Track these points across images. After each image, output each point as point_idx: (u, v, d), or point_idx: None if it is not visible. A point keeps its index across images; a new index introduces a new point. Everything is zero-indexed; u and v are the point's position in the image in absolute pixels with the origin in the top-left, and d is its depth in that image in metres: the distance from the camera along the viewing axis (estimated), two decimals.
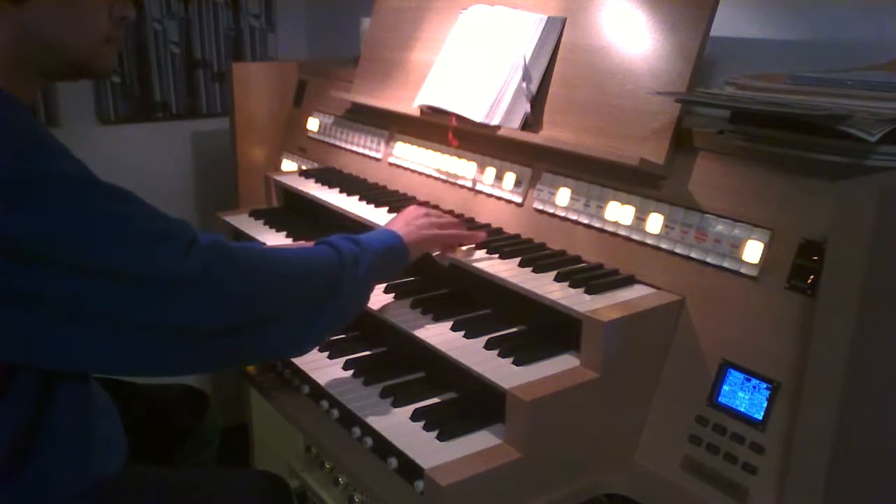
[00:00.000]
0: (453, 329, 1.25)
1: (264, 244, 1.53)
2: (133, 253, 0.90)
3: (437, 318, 1.28)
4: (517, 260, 1.31)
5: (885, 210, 0.83)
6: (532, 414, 1.04)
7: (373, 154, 1.88)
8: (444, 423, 1.12)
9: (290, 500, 1.34)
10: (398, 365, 1.32)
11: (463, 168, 1.61)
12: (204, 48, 2.52)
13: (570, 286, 1.22)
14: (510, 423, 1.07)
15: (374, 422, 1.15)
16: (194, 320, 0.95)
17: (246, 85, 2.20)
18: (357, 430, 1.17)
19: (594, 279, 1.21)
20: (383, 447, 1.12)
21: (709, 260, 1.16)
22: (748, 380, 1.08)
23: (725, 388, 1.10)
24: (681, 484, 1.11)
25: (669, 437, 1.15)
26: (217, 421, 1.63)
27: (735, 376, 1.10)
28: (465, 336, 1.22)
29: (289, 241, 1.66)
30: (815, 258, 1.03)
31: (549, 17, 1.46)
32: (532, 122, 1.46)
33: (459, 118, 1.52)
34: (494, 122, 1.46)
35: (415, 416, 1.16)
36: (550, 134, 1.43)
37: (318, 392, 1.28)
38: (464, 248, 1.38)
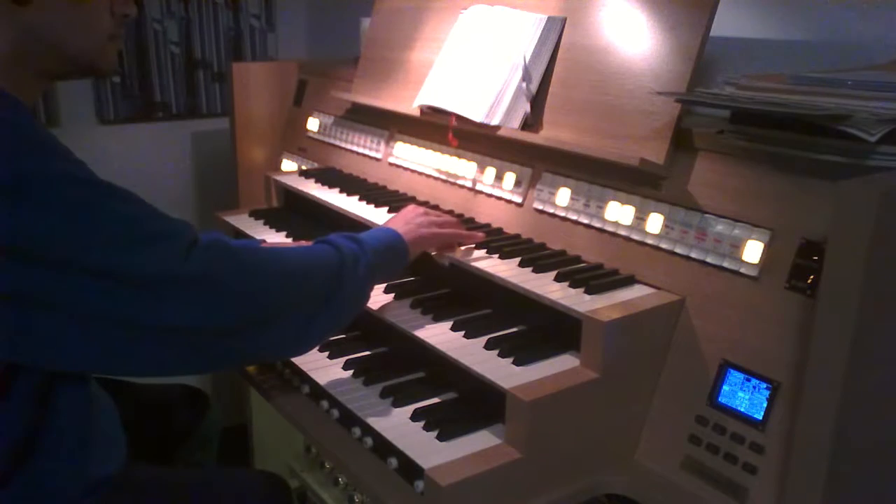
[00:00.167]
0: (453, 329, 1.25)
1: (263, 241, 1.53)
2: (134, 253, 0.90)
3: (437, 318, 1.29)
4: (517, 260, 1.31)
5: (885, 210, 0.82)
6: (532, 414, 1.04)
7: (373, 154, 1.88)
8: (444, 423, 1.12)
9: (290, 500, 1.34)
10: (398, 365, 1.32)
11: (463, 168, 1.61)
12: (204, 48, 2.52)
13: (570, 286, 1.22)
14: (510, 423, 1.07)
15: (374, 422, 1.15)
16: (195, 320, 0.95)
17: (246, 85, 2.20)
18: (357, 430, 1.17)
19: (594, 279, 1.21)
20: (383, 447, 1.12)
21: (709, 260, 1.16)
22: (748, 380, 1.08)
23: (725, 388, 1.10)
24: (681, 484, 1.11)
25: (669, 437, 1.15)
26: (217, 421, 1.63)
27: (735, 376, 1.10)
28: (465, 336, 1.22)
29: (289, 241, 1.66)
30: (815, 258, 1.03)
31: (549, 17, 1.46)
32: (532, 122, 1.46)
33: (459, 118, 1.52)
34: (494, 122, 1.46)
35: (415, 416, 1.16)
36: (550, 134, 1.43)
37: (318, 392, 1.28)
38: (462, 247, 1.38)
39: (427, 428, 1.13)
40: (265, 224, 1.81)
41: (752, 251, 1.10)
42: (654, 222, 1.24)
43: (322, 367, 1.32)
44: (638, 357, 1.15)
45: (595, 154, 1.29)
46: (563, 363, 1.15)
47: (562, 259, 1.33)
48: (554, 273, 1.25)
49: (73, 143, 0.96)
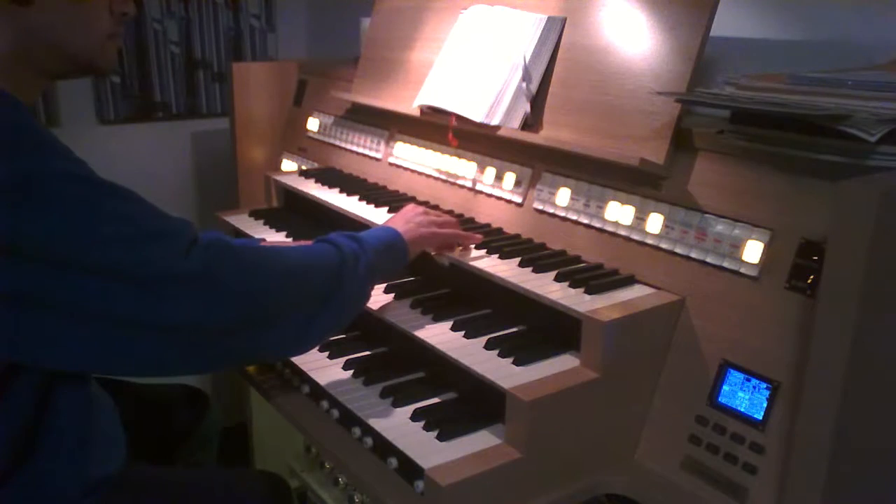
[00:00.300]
0: (453, 329, 1.25)
1: (263, 240, 1.53)
2: (134, 251, 0.90)
3: (437, 318, 1.29)
4: (517, 260, 1.31)
5: (885, 210, 0.83)
6: (532, 414, 1.04)
7: (373, 154, 1.88)
8: (444, 423, 1.12)
9: (290, 500, 1.34)
10: (398, 365, 1.32)
11: (463, 168, 1.61)
12: (204, 48, 2.52)
13: (570, 286, 1.22)
14: (510, 423, 1.07)
15: (374, 422, 1.15)
16: (195, 318, 0.95)
17: (246, 85, 2.20)
18: (357, 430, 1.17)
19: (594, 279, 1.21)
20: (383, 447, 1.12)
21: (709, 260, 1.16)
22: (748, 380, 1.08)
23: (725, 388, 1.10)
24: (681, 484, 1.11)
25: (669, 437, 1.15)
26: (217, 421, 1.63)
27: (735, 376, 1.10)
28: (465, 336, 1.22)
29: (289, 241, 1.66)
30: (815, 258, 1.03)
31: (549, 17, 1.46)
32: (532, 122, 1.46)
33: (459, 118, 1.52)
34: (494, 122, 1.46)
35: (415, 416, 1.16)
36: (550, 134, 1.43)
37: (318, 392, 1.28)
38: (461, 248, 1.38)
39: (427, 428, 1.13)
40: (265, 224, 1.81)
41: (752, 251, 1.10)
42: (654, 222, 1.24)
43: (322, 367, 1.32)
44: (638, 357, 1.15)
45: (595, 154, 1.29)
46: (563, 363, 1.15)
47: (562, 259, 1.33)
48: (554, 273, 1.25)
49: (73, 143, 0.96)
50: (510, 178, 1.50)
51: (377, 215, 1.56)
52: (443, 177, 1.66)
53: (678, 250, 1.20)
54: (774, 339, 1.06)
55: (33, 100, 1.10)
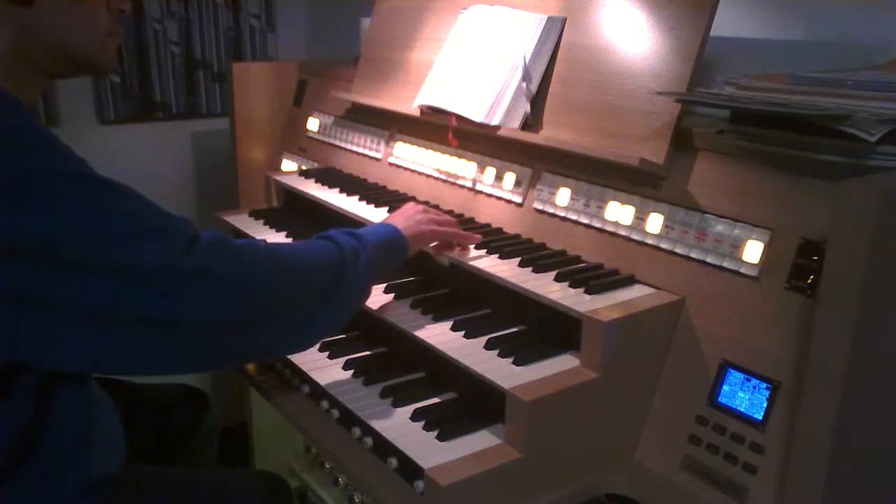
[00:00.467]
0: (453, 329, 1.25)
1: (264, 241, 1.53)
2: (135, 248, 0.90)
3: (437, 318, 1.28)
4: (517, 260, 1.31)
5: (885, 210, 0.83)
6: (532, 414, 1.04)
7: (373, 154, 1.88)
8: (444, 423, 1.12)
9: (290, 500, 1.34)
10: (398, 365, 1.32)
11: (463, 168, 1.61)
12: (204, 48, 2.52)
13: (570, 286, 1.22)
14: (510, 423, 1.07)
15: (374, 422, 1.15)
16: (196, 316, 0.95)
17: (246, 85, 2.20)
18: (357, 430, 1.17)
19: (594, 279, 1.21)
20: (383, 447, 1.12)
21: (709, 260, 1.16)
22: (748, 380, 1.08)
23: (725, 388, 1.10)
24: (681, 484, 1.11)
25: (669, 437, 1.15)
26: (217, 421, 1.63)
27: (735, 376, 1.09)
28: (465, 336, 1.22)
29: (289, 242, 1.66)
30: (815, 258, 1.03)
31: (549, 17, 1.46)
32: (532, 122, 1.46)
33: (459, 118, 1.52)
34: (494, 122, 1.46)
35: (415, 416, 1.16)
36: (550, 134, 1.43)
37: (318, 392, 1.28)
38: (461, 247, 1.38)
39: (427, 428, 1.13)
40: (265, 224, 1.81)
41: (752, 251, 1.10)
42: (654, 222, 1.24)
43: (322, 367, 1.32)
44: (638, 357, 1.15)
45: (595, 154, 1.29)
46: (563, 363, 1.15)
47: (562, 259, 1.33)
48: (554, 273, 1.25)
49: (73, 143, 0.96)
50: (510, 178, 1.50)
51: (377, 215, 1.56)
52: (443, 177, 1.66)
53: (678, 250, 1.20)
54: (774, 339, 1.06)
55: (33, 99, 1.10)
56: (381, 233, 1.25)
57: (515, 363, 1.14)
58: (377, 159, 1.87)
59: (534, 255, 1.34)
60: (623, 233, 1.28)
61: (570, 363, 1.15)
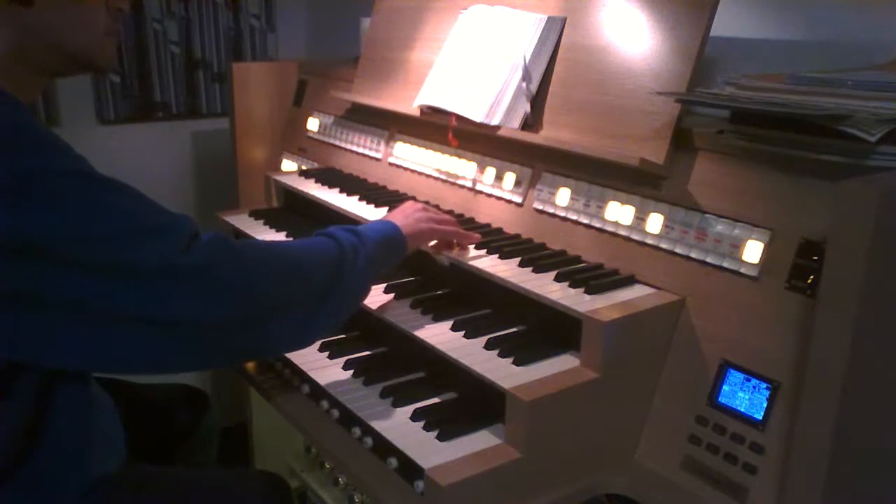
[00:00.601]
0: (453, 329, 1.25)
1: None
2: (135, 246, 0.90)
3: (437, 318, 1.28)
4: (517, 260, 1.31)
5: (885, 210, 0.83)
6: (532, 414, 1.04)
7: (373, 154, 1.88)
8: (444, 423, 1.12)
9: (290, 500, 1.34)
10: (398, 365, 1.32)
11: (463, 168, 1.61)
12: (204, 48, 2.52)
13: (570, 286, 1.22)
14: (510, 423, 1.07)
15: (374, 422, 1.15)
16: (195, 314, 0.95)
17: (246, 85, 2.20)
18: (357, 430, 1.17)
19: (594, 279, 1.21)
20: (383, 447, 1.12)
21: (709, 260, 1.16)
22: (748, 380, 1.08)
23: (725, 388, 1.10)
24: (681, 484, 1.11)
25: (669, 437, 1.15)
26: (217, 421, 1.62)
27: (735, 376, 1.09)
28: (465, 336, 1.22)
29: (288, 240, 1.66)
30: (815, 258, 1.03)
31: (549, 17, 1.46)
32: (532, 122, 1.46)
33: (459, 118, 1.52)
34: (494, 122, 1.46)
35: (415, 416, 1.16)
36: (550, 134, 1.43)
37: (318, 392, 1.28)
38: (460, 247, 1.38)
39: (427, 428, 1.13)
40: (265, 224, 1.81)
41: (752, 251, 1.10)
42: (654, 222, 1.24)
43: (322, 367, 1.32)
44: (638, 357, 1.15)
45: (595, 154, 1.29)
46: (563, 363, 1.15)
47: (562, 259, 1.33)
48: (554, 273, 1.25)
49: (73, 143, 0.96)
50: (510, 178, 1.50)
51: (377, 215, 1.56)
52: (443, 177, 1.66)
53: (678, 250, 1.20)
54: (774, 339, 1.06)
55: (33, 99, 1.10)
56: (380, 230, 1.24)
57: (515, 363, 1.14)
58: (377, 159, 1.87)
59: (534, 255, 1.34)
60: (623, 233, 1.28)
61: (570, 363, 1.15)
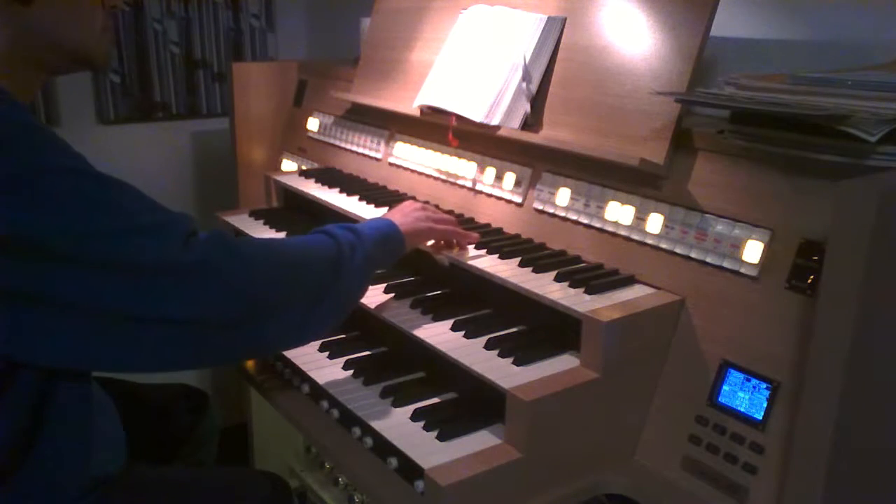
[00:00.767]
0: (453, 329, 1.25)
1: None
2: (133, 243, 0.90)
3: (437, 318, 1.28)
4: (517, 260, 1.31)
5: (885, 210, 0.82)
6: (532, 414, 1.04)
7: (373, 154, 1.88)
8: (444, 423, 1.12)
9: (290, 500, 1.34)
10: (398, 365, 1.32)
11: (463, 168, 1.61)
12: (204, 48, 2.52)
13: (570, 286, 1.22)
14: (510, 423, 1.07)
15: (374, 422, 1.15)
16: (194, 312, 0.95)
17: (246, 85, 2.20)
18: (357, 430, 1.17)
19: (594, 279, 1.21)
20: (383, 447, 1.12)
21: (709, 260, 1.16)
22: (748, 380, 1.08)
23: (725, 388, 1.10)
24: (681, 484, 1.11)
25: (669, 437, 1.15)
26: (217, 421, 1.62)
27: (735, 376, 1.10)
28: (465, 336, 1.22)
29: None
30: (815, 258, 1.03)
31: (549, 17, 1.46)
32: (532, 122, 1.46)
33: (459, 118, 1.52)
34: (494, 122, 1.46)
35: (415, 416, 1.16)
36: (550, 134, 1.43)
37: (318, 392, 1.28)
38: (459, 247, 1.38)
39: (427, 428, 1.13)
40: (265, 224, 1.81)
41: (752, 251, 1.10)
42: (654, 222, 1.24)
43: (322, 367, 1.32)
44: (638, 357, 1.15)
45: (595, 154, 1.29)
46: (563, 363, 1.15)
47: (562, 259, 1.33)
48: (554, 273, 1.25)
49: (72, 143, 0.96)
50: (510, 178, 1.50)
51: (377, 215, 1.56)
52: (443, 177, 1.66)
53: (678, 250, 1.20)
54: (774, 339, 1.06)
55: (31, 97, 1.10)
56: (378, 227, 1.24)
57: (515, 363, 1.14)
58: (377, 159, 1.87)
59: (534, 255, 1.34)
60: (623, 233, 1.29)
61: (570, 363, 1.15)
